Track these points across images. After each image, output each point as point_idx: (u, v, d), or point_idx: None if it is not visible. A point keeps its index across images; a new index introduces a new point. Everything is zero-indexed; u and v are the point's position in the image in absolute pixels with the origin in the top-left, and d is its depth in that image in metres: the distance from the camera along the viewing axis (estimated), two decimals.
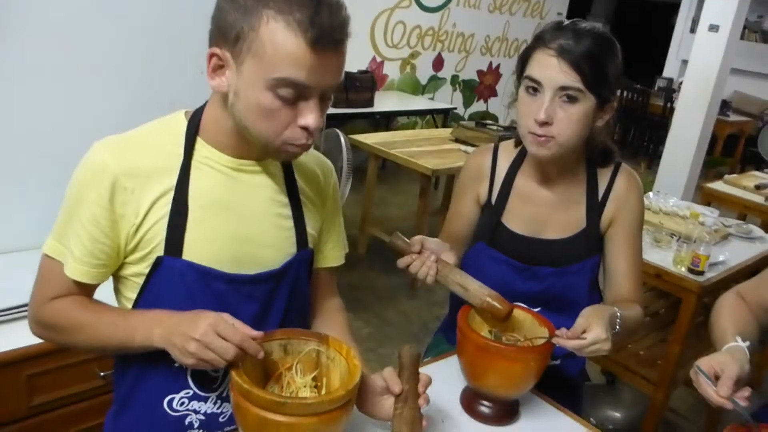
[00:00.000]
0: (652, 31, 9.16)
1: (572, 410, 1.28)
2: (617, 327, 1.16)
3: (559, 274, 1.33)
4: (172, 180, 0.96)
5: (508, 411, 1.21)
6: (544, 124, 1.17)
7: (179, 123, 1.01)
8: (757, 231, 2.75)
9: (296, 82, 0.87)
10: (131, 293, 1.00)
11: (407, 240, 1.20)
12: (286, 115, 0.90)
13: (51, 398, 1.48)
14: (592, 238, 1.33)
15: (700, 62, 4.69)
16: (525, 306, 1.26)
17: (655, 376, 2.25)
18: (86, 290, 1.00)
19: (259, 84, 0.88)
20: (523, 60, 1.23)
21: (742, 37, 7.75)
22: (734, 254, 2.40)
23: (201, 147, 0.99)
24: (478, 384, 1.19)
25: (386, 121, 5.66)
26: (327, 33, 0.86)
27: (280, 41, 0.85)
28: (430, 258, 1.18)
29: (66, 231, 0.97)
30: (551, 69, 1.16)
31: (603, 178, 1.35)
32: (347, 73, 4.76)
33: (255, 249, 1.03)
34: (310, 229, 1.11)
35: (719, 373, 1.06)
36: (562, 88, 1.16)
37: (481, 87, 6.83)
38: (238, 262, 1.00)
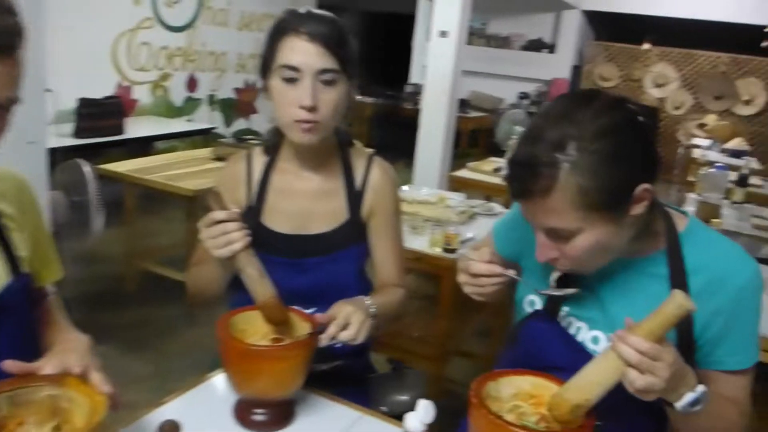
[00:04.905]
0: (398, 41, 9.85)
1: (362, 404, 1.30)
2: (372, 309, 1.21)
3: (326, 263, 1.33)
4: None
5: (283, 413, 1.19)
6: (312, 109, 1.17)
7: None
8: (498, 208, 3.10)
9: None
10: None
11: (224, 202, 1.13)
12: None
13: None
14: (355, 226, 1.36)
15: (436, 66, 5.14)
16: (298, 309, 1.24)
17: (430, 353, 2.41)
18: None
19: None
20: (271, 50, 1.20)
21: (471, 43, 8.73)
22: (481, 230, 2.65)
23: None
24: (247, 392, 1.15)
25: (143, 147, 5.34)
26: None
27: None
28: (246, 230, 1.12)
29: None
30: (308, 54, 1.16)
31: (359, 168, 1.38)
32: (90, 100, 4.41)
33: None
34: (22, 252, 1.01)
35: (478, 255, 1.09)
36: (323, 72, 1.17)
37: (240, 105, 6.78)
38: None
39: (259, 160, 1.37)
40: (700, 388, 0.91)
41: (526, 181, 0.91)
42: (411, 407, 2.83)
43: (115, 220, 3.86)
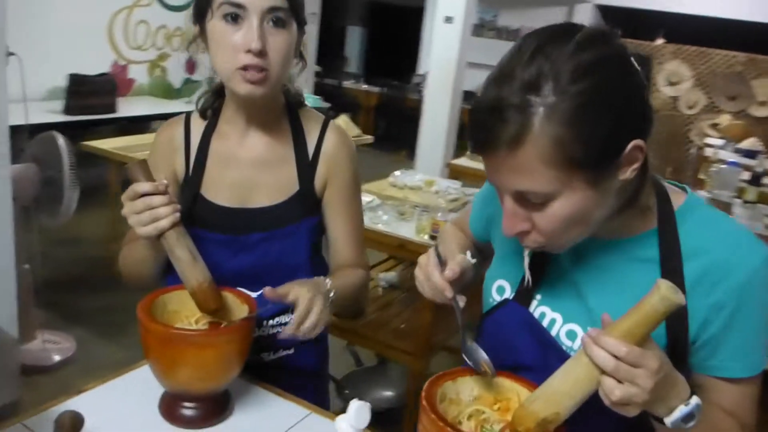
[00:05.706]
0: (406, 32, 9.68)
1: (315, 401, 1.15)
2: (332, 293, 1.06)
3: (272, 239, 1.17)
4: None
5: (216, 408, 1.05)
6: (260, 53, 1.01)
7: None
8: None
9: None
10: None
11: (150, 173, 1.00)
12: None
13: None
14: (307, 198, 1.20)
15: (440, 53, 4.99)
16: (244, 290, 1.10)
17: (413, 347, 2.25)
18: None
19: None
20: None
21: (481, 35, 8.55)
22: None
23: None
24: (172, 383, 1.00)
25: (138, 128, 5.20)
26: None
27: None
28: (175, 205, 0.99)
29: None
30: None
31: (311, 133, 1.21)
32: (80, 77, 4.27)
33: None
34: None
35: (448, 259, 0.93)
36: (271, 10, 1.02)
37: None
38: None
39: (198, 123, 1.22)
40: (694, 400, 0.74)
41: (490, 129, 0.73)
42: (396, 403, 2.63)
43: (100, 201, 3.73)
